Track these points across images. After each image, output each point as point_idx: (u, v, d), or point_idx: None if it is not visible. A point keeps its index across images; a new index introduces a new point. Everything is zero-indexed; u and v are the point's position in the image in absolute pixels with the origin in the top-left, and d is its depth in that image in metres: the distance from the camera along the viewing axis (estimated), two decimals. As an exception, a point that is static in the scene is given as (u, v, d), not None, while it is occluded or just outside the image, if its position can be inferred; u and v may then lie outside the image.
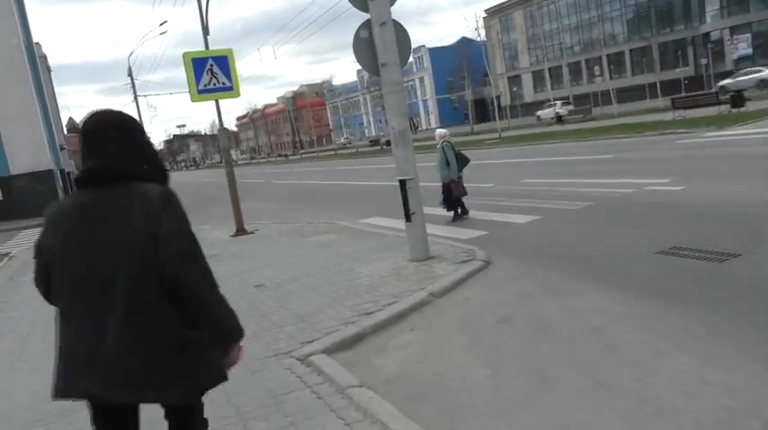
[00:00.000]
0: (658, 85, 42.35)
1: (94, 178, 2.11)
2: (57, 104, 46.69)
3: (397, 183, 7.12)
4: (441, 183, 9.98)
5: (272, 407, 3.69)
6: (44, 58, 42.11)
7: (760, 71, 35.22)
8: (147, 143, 2.27)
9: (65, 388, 2.08)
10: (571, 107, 43.12)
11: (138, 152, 2.20)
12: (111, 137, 2.14)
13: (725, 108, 23.46)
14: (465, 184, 10.00)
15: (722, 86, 33.76)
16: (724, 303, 4.58)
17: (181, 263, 2.01)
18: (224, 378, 2.21)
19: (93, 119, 2.19)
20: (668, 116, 26.09)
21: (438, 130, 10.62)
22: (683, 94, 36.37)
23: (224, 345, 2.22)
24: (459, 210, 10.00)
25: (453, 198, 9.90)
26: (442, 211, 10.10)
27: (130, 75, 44.14)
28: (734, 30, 50.47)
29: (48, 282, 2.17)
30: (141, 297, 2.01)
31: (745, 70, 37.16)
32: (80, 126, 2.25)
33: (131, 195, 2.07)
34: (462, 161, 9.96)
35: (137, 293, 2.01)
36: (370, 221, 11.23)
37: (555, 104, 48.67)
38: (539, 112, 52.82)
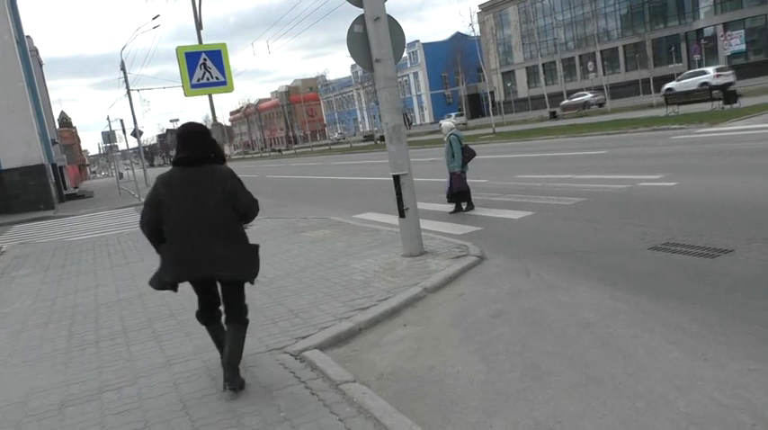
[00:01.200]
0: (651, 81, 42.40)
1: (187, 161, 3.79)
2: (48, 98, 46.34)
3: (391, 179, 7.12)
4: (449, 175, 10.04)
5: (266, 402, 3.69)
6: (35, 51, 41.77)
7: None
8: (212, 140, 3.92)
9: (181, 275, 3.83)
10: (463, 119, 52.99)
11: (209, 146, 3.87)
12: (195, 138, 3.84)
13: (717, 104, 23.56)
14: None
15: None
16: (716, 299, 4.60)
17: (244, 203, 3.86)
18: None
19: (186, 128, 3.91)
20: (661, 112, 26.17)
21: (445, 123, 10.57)
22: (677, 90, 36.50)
23: None
24: (465, 205, 10.00)
25: (454, 191, 9.92)
26: (436, 207, 10.12)
27: (123, 69, 43.87)
28: (727, 26, 50.56)
29: (155, 220, 3.80)
30: (224, 225, 3.78)
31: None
32: (177, 131, 3.93)
33: (213, 172, 3.81)
34: (468, 154, 9.98)
35: (222, 223, 3.77)
36: (363, 217, 11.23)
37: (451, 116, 59.08)
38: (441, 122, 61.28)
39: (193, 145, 3.81)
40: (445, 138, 10.10)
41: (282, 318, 5.35)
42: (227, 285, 3.92)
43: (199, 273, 3.82)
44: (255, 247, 3.98)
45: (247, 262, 3.91)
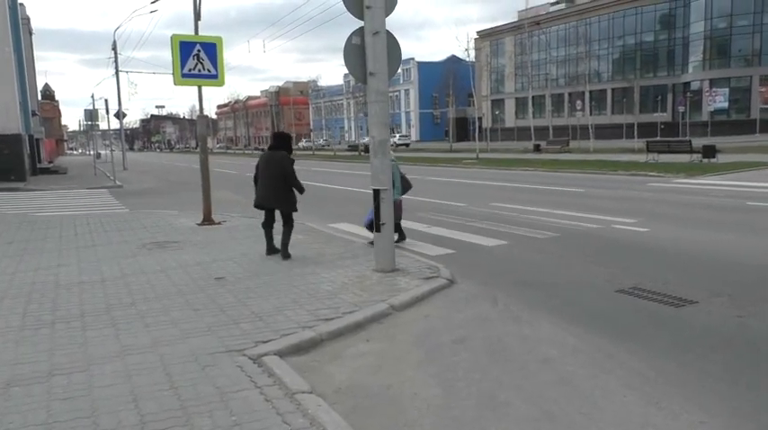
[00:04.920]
0: (635, 127, 43.27)
1: (271, 147, 8.28)
2: (34, 68, 45.55)
3: (371, 192, 7.12)
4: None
5: (218, 403, 3.62)
6: (27, 19, 41.14)
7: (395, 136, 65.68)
8: (288, 141, 8.38)
9: (258, 204, 8.17)
10: (408, 139, 71.93)
11: (286, 142, 8.29)
12: (280, 138, 8.39)
13: (696, 157, 24.09)
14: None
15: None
16: (676, 349, 4.67)
17: (290, 175, 7.93)
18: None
19: (276, 132, 9.16)
20: (642, 158, 26.67)
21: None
22: (659, 138, 37.38)
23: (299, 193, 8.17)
24: (398, 237, 9.45)
25: (396, 221, 9.32)
26: (414, 225, 10.11)
27: (115, 49, 43.38)
28: (713, 82, 52.01)
29: (257, 176, 8.16)
30: (280, 181, 7.93)
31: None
32: (273, 132, 9.68)
33: (278, 155, 8.00)
34: (406, 184, 9.21)
35: (279, 181, 7.93)
36: (338, 226, 11.20)
37: (395, 136, 67.93)
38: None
39: (275, 140, 8.24)
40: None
41: (245, 320, 5.29)
42: (282, 212, 8.04)
43: (265, 203, 8.06)
44: (294, 199, 8.00)
45: (289, 203, 7.97)
